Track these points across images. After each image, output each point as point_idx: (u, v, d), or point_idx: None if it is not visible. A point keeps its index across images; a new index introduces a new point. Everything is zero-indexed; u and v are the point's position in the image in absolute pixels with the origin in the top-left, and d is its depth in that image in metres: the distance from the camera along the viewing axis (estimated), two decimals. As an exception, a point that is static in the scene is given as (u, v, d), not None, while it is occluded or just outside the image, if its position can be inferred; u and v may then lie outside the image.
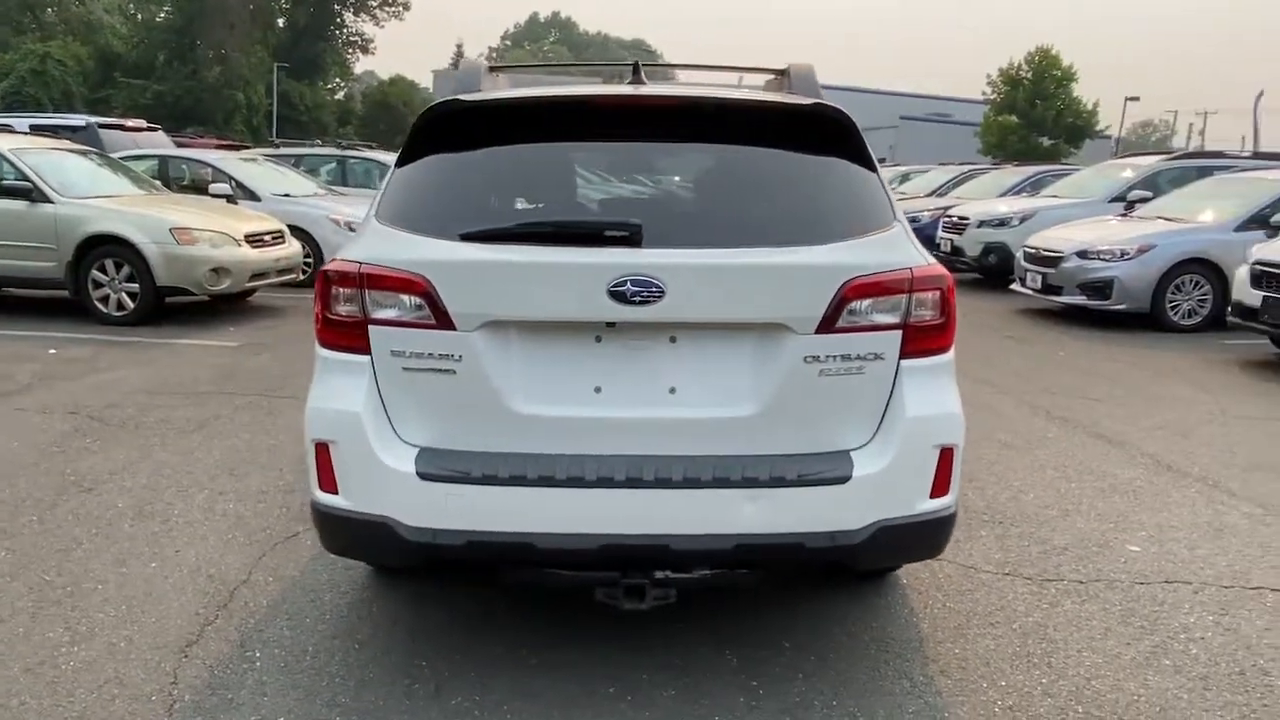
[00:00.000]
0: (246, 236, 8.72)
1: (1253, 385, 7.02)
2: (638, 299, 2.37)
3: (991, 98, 45.76)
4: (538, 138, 2.77)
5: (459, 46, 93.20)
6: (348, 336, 2.53)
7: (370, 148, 14.86)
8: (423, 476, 2.42)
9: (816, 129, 2.70)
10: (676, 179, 2.78)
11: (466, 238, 2.51)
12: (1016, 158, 40.06)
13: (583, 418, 2.47)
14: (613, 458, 2.43)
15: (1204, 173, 11.81)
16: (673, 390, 2.48)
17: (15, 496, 4.11)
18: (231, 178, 11.04)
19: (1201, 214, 9.75)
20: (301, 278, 9.79)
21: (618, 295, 2.37)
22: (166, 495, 4.18)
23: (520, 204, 2.76)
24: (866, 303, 2.46)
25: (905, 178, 24.01)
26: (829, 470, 2.43)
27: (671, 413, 2.48)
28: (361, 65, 79.24)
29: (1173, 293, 9.25)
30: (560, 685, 2.71)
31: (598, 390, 2.48)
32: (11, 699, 2.60)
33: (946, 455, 2.53)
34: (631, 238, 2.45)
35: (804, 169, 2.70)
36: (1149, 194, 11.37)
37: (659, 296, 2.37)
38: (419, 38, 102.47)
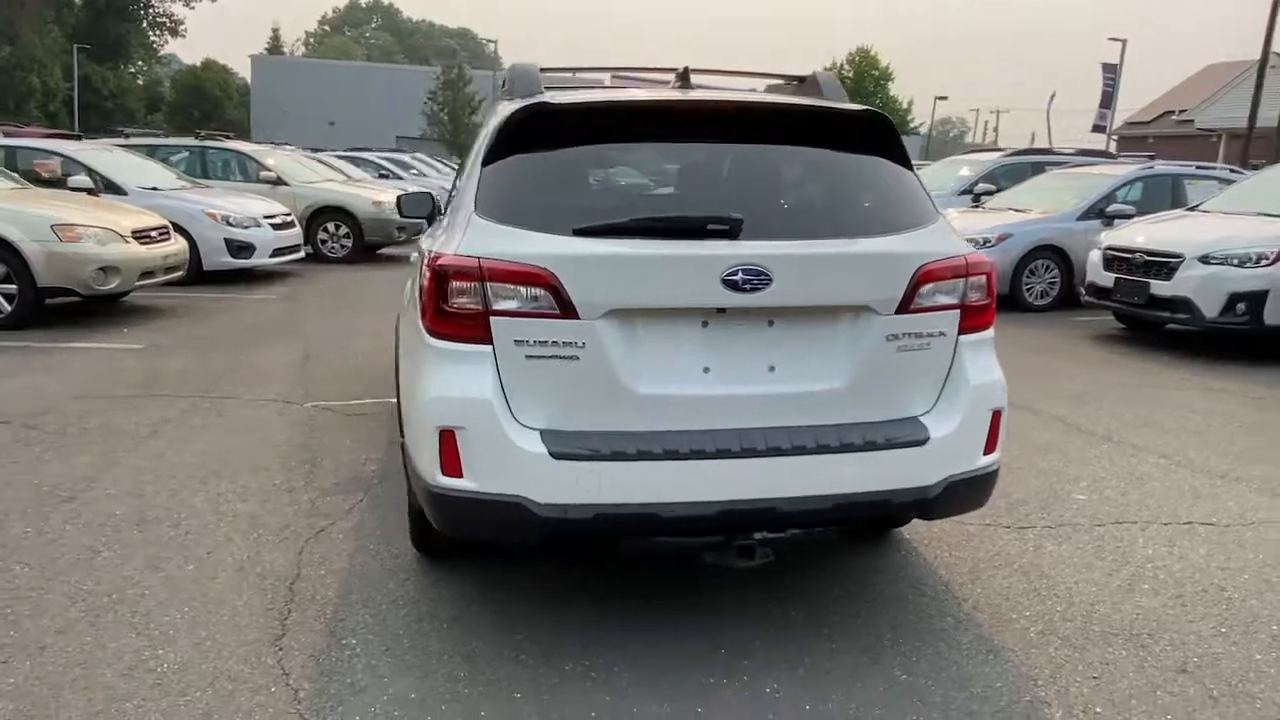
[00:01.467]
0: (134, 233, 8.25)
1: (1113, 357, 7.99)
2: (748, 287, 2.62)
3: (817, 95, 48.22)
4: (623, 138, 2.97)
5: (275, 31, 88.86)
6: (467, 327, 2.65)
7: (228, 137, 14.14)
8: (555, 456, 2.58)
9: (867, 132, 3.03)
10: (751, 177, 3.03)
11: (580, 233, 2.68)
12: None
13: (694, 395, 2.70)
14: (724, 431, 2.68)
15: (1037, 168, 13.11)
16: (772, 368, 2.75)
17: (-7, 510, 3.90)
18: (92, 170, 10.34)
19: (1046, 205, 10.86)
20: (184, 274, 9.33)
21: (730, 284, 2.61)
22: (160, 499, 4.06)
23: (619, 200, 2.95)
24: (933, 286, 2.81)
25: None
26: (911, 434, 2.78)
27: (772, 389, 2.74)
28: (171, 48, 74.17)
29: (1028, 276, 10.28)
30: (656, 647, 2.93)
31: (706, 370, 2.71)
32: (124, 702, 2.57)
33: (996, 417, 2.92)
34: (731, 231, 2.70)
35: (860, 167, 3.03)
36: (992, 187, 12.52)
37: (766, 284, 2.63)
38: (231, 21, 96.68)
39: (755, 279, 2.62)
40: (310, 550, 3.59)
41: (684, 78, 3.36)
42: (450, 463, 2.64)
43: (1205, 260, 7.70)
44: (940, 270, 2.82)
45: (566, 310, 2.60)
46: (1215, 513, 4.19)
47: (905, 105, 47.58)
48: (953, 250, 2.87)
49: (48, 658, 2.79)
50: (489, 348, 2.64)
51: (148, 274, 8.44)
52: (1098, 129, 36.98)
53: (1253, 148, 26.86)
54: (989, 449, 2.92)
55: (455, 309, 2.65)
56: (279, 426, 5.18)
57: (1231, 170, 12.25)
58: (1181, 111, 44.26)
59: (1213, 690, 2.76)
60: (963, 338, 2.89)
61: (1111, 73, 35.35)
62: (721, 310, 2.68)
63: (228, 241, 10.48)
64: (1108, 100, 35.56)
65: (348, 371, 6.54)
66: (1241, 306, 7.56)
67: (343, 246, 13.42)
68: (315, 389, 6.02)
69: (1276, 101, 28.76)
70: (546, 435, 2.62)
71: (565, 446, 2.60)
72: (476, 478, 2.62)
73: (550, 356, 2.63)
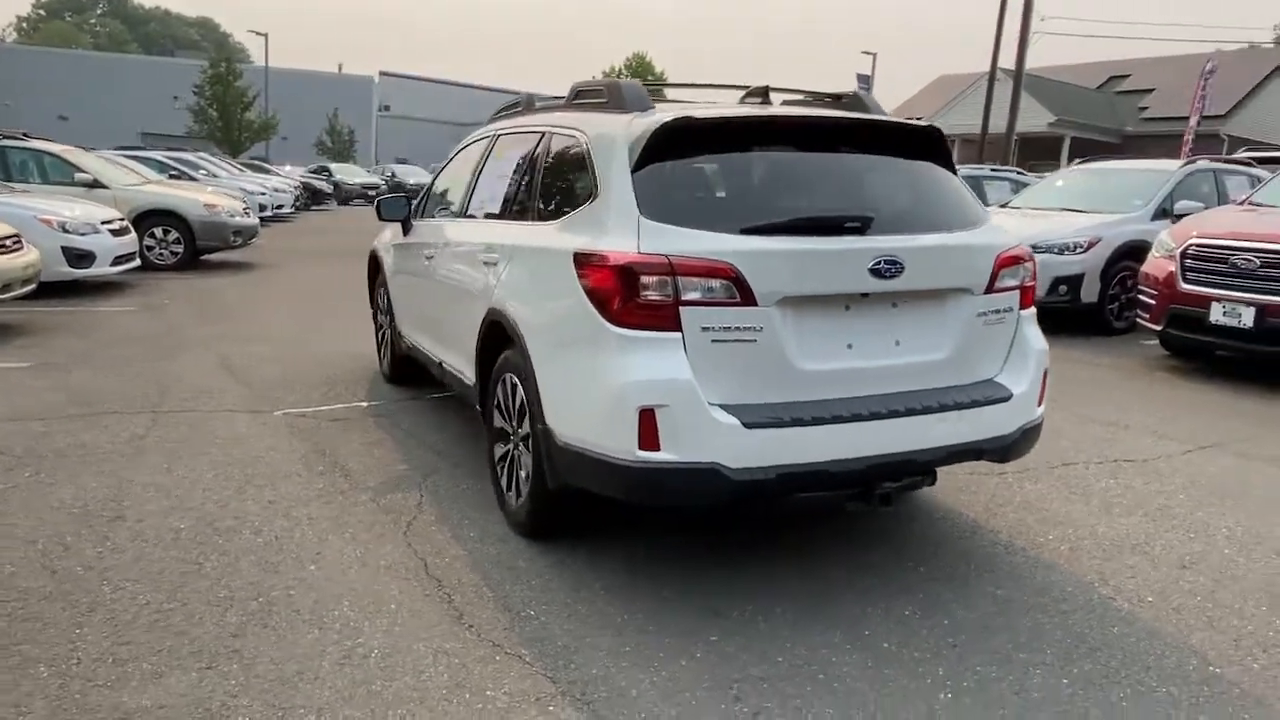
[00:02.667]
0: (-10, 242, 7.53)
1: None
2: (887, 274, 3.14)
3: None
4: (751, 147, 3.39)
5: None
6: (658, 317, 2.98)
7: (24, 135, 12.72)
8: (747, 426, 2.97)
9: (930, 143, 3.63)
10: (857, 180, 3.52)
11: (747, 231, 3.08)
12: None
13: (843, 369, 3.18)
14: (867, 398, 3.18)
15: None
16: (897, 343, 3.28)
17: (36, 534, 3.70)
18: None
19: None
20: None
21: (875, 272, 3.12)
22: (215, 511, 3.99)
23: (763, 202, 3.35)
24: (1006, 271, 3.45)
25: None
26: (999, 393, 3.40)
27: (897, 360, 3.28)
28: None
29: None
30: (800, 591, 3.38)
31: (850, 346, 3.20)
32: (371, 685, 2.70)
33: (1045, 376, 3.61)
34: (862, 227, 3.21)
35: (930, 172, 3.62)
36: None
37: (900, 272, 3.16)
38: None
39: (893, 267, 3.14)
40: (415, 543, 3.72)
41: (764, 94, 3.83)
42: (649, 438, 2.96)
43: (1034, 249, 9.03)
44: (1010, 258, 3.47)
45: (747, 298, 3.00)
46: (1129, 452, 5.19)
47: (681, 109, 49.87)
48: (1013, 242, 3.53)
49: (250, 658, 2.83)
50: (678, 334, 2.98)
51: (5, 287, 7.73)
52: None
53: (985, 151, 30.25)
54: (1040, 402, 3.60)
55: (647, 301, 2.97)
56: (271, 436, 5.10)
57: (1018, 172, 14.17)
58: (918, 119, 49.45)
59: (1213, 577, 3.59)
60: (1022, 313, 3.55)
61: (865, 83, 38.82)
62: (865, 295, 3.18)
63: (65, 250, 9.63)
64: (864, 108, 39.00)
65: (284, 378, 6.40)
66: (1063, 288, 8.98)
67: (173, 253, 12.58)
68: (269, 397, 5.89)
69: (1001, 109, 32.97)
70: (733, 409, 3.01)
71: (754, 417, 3.00)
72: (677, 450, 2.96)
73: (733, 340, 3.02)
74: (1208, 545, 3.89)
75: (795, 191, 3.38)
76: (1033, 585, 3.47)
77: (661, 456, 2.97)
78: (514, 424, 3.77)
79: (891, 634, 3.09)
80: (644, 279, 2.97)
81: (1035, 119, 37.77)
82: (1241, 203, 8.31)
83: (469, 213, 4.69)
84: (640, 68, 48.42)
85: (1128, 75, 45.77)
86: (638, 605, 3.23)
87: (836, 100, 4.09)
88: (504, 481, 3.91)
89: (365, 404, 5.80)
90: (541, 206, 3.83)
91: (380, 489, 4.33)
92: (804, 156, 3.46)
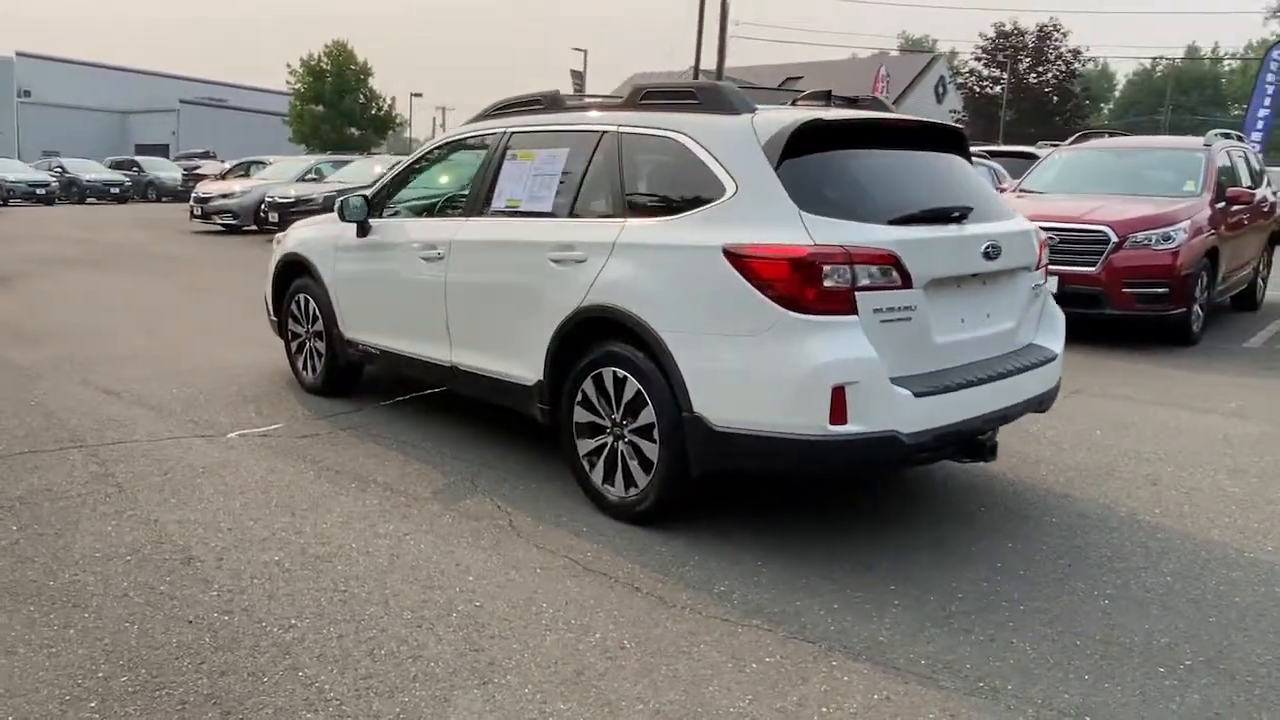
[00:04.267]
0: None
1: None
2: (993, 256, 3.66)
3: (296, 88, 46.47)
4: (866, 146, 3.76)
5: None
6: (837, 302, 3.28)
7: None
8: (917, 395, 3.36)
9: (961, 141, 4.20)
10: (939, 174, 3.97)
11: (894, 222, 3.47)
12: (333, 148, 42.04)
13: (960, 339, 3.66)
14: (978, 363, 3.69)
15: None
16: (988, 315, 3.81)
17: (114, 587, 3.26)
18: None
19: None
20: None
21: (986, 255, 3.64)
22: (293, 539, 3.70)
23: (886, 193, 3.71)
24: (1043, 251, 4.11)
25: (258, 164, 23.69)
26: (1050, 354, 4.05)
27: (988, 330, 3.81)
28: None
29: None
30: (925, 540, 3.82)
31: (962, 321, 3.68)
32: (685, 674, 2.78)
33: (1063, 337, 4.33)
34: (963, 216, 3.71)
35: (974, 169, 4.19)
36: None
37: (1000, 254, 3.69)
38: None
39: (997, 250, 3.67)
40: (541, 543, 3.71)
41: (827, 97, 4.20)
42: (839, 413, 3.25)
43: None
44: (1044, 240, 4.14)
45: (905, 281, 3.39)
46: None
47: (390, 101, 48.23)
48: (1035, 226, 4.20)
49: (523, 668, 2.78)
50: (856, 317, 3.30)
51: None
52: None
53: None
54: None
55: (829, 289, 3.26)
56: (255, 459, 4.69)
57: None
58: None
59: (1183, 488, 4.50)
60: (1046, 285, 4.24)
61: (580, 79, 39.95)
62: (975, 275, 3.68)
63: None
64: (578, 103, 40.12)
65: (193, 398, 5.79)
66: None
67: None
68: (199, 420, 5.34)
69: None
70: (901, 380, 3.37)
71: (919, 387, 3.39)
72: (862, 421, 3.28)
73: (895, 320, 3.39)
74: (1174, 470, 4.84)
75: (908, 186, 3.81)
76: (1104, 527, 4.18)
77: (849, 429, 3.27)
78: (617, 418, 3.86)
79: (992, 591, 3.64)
80: (825, 268, 3.26)
81: (733, 116, 41.05)
82: (1014, 190, 9.88)
83: (490, 211, 4.61)
84: (342, 56, 46.14)
85: (801, 77, 50.99)
86: (807, 568, 3.51)
87: (853, 103, 4.55)
88: (598, 476, 3.98)
89: (321, 419, 5.44)
90: (639, 204, 3.93)
91: (443, 498, 4.20)
92: (904, 155, 3.89)
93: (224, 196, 19.80)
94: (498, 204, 4.58)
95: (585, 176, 4.19)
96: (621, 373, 3.81)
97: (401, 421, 5.41)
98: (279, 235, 6.50)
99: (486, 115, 4.94)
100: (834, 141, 3.68)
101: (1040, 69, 43.21)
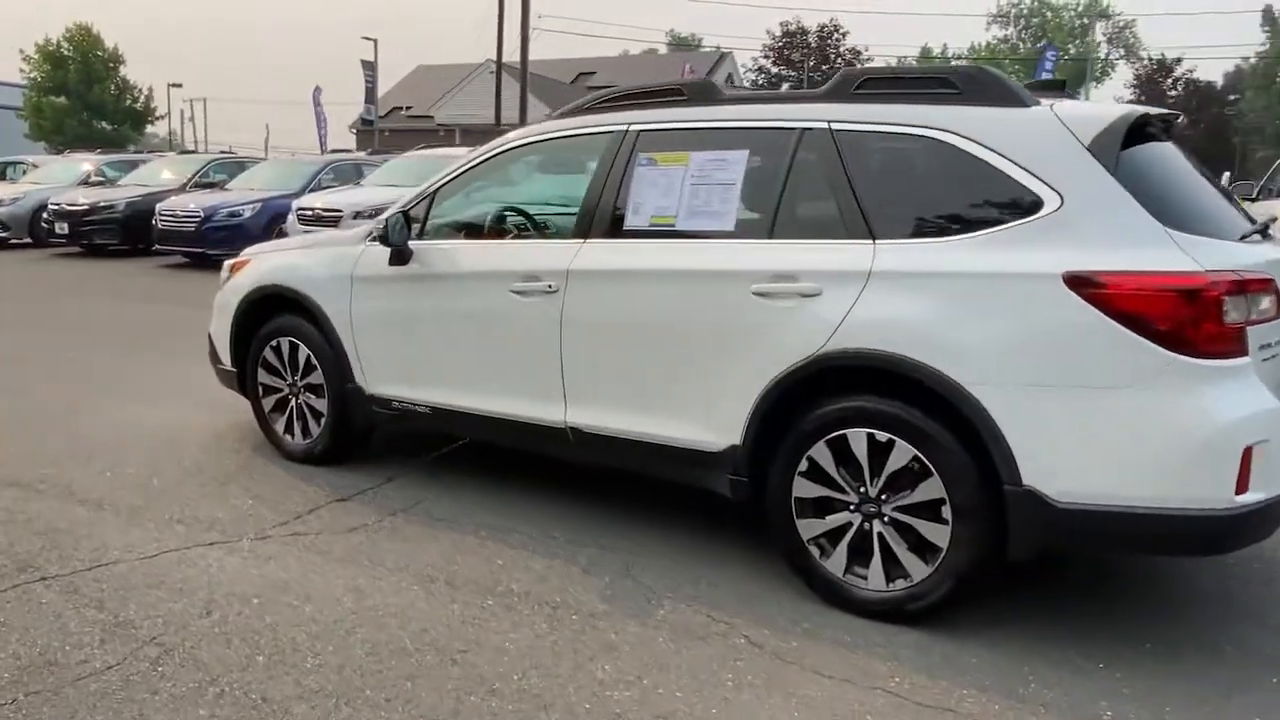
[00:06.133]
0: None
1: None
2: None
3: (32, 77, 40.67)
4: (1156, 143, 3.12)
5: None
6: (1233, 341, 2.65)
7: None
8: None
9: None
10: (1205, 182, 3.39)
11: (1243, 239, 2.88)
12: (79, 143, 37.03)
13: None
14: None
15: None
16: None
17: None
18: None
19: None
20: None
21: None
22: (489, 704, 2.62)
23: (1214, 205, 3.08)
24: None
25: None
26: None
27: None
28: None
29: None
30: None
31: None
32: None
33: None
34: (1264, 230, 3.18)
35: None
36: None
37: None
38: None
39: None
40: (805, 665, 2.84)
41: (1061, 88, 3.51)
42: (1244, 479, 2.62)
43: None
44: None
45: (1278, 310, 2.80)
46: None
47: (146, 92, 43.15)
48: None
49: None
50: (1248, 358, 2.68)
51: None
52: (366, 123, 39.11)
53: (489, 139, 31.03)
54: None
55: (1229, 325, 2.62)
56: (330, 576, 3.44)
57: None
58: (408, 108, 49.28)
59: None
60: None
61: (371, 70, 37.52)
62: None
63: None
64: (371, 95, 37.72)
65: (159, 489, 4.34)
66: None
67: None
68: (181, 515, 3.95)
69: (490, 99, 34.54)
70: None
71: None
72: (1264, 488, 2.66)
73: (1272, 357, 2.79)
74: None
75: (1208, 192, 3.22)
76: None
77: (1250, 497, 2.65)
78: (871, 491, 3.05)
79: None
80: (1225, 300, 2.61)
81: (533, 112, 40.00)
82: None
83: (623, 231, 3.61)
84: (86, 41, 40.77)
85: (594, 72, 50.78)
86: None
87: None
88: (835, 565, 3.15)
89: (347, 499, 4.19)
90: (894, 221, 3.09)
91: (627, 609, 3.18)
92: (1180, 154, 3.29)
93: (-13, 204, 16.64)
94: (635, 220, 3.60)
95: (786, 185, 3.31)
96: (885, 436, 2.99)
97: (456, 493, 4.27)
98: (231, 260, 5.07)
99: (587, 109, 3.91)
100: (1145, 140, 3.04)
101: (824, 68, 45.28)
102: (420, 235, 4.17)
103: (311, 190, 13.97)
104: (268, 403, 4.77)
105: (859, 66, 3.68)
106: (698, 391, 3.37)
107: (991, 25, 68.42)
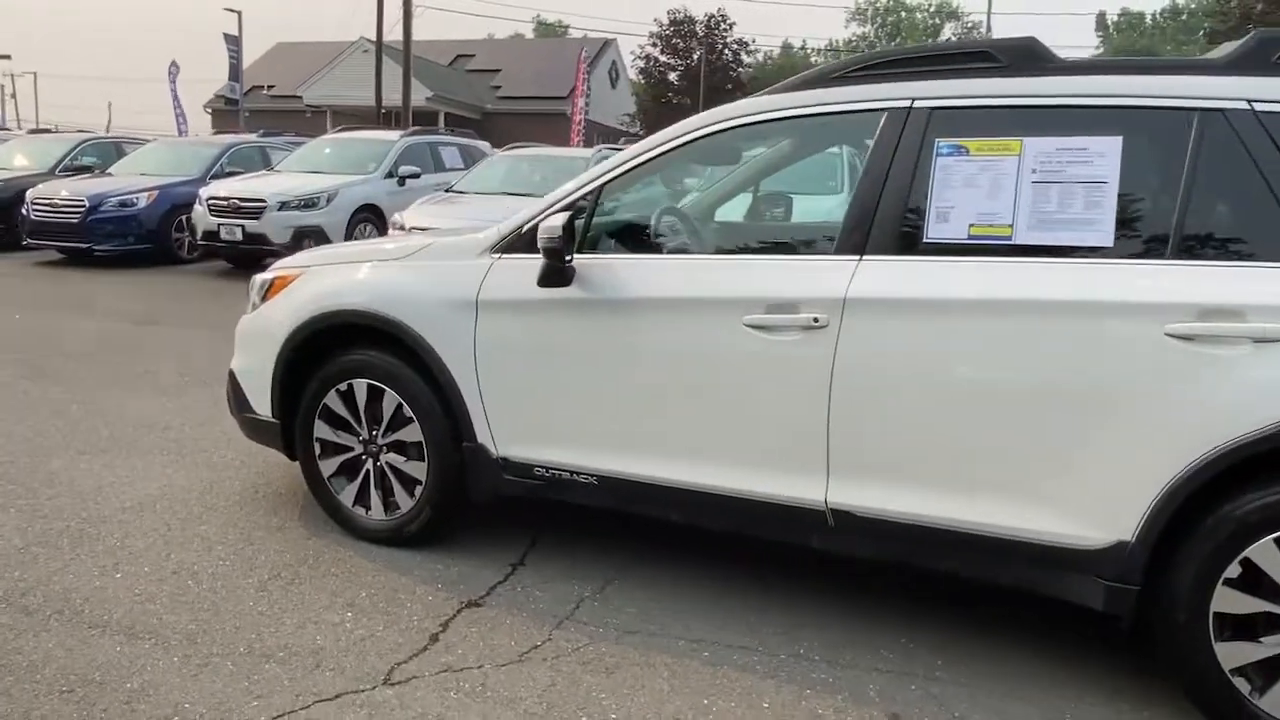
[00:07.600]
0: None
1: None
2: None
3: None
4: None
5: None
6: None
7: None
8: None
9: None
10: None
11: None
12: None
13: None
14: None
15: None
16: None
17: None
18: None
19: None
20: None
21: None
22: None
23: None
24: None
25: None
26: None
27: None
28: None
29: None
30: None
31: None
32: None
33: None
34: None
35: None
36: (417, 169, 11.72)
37: None
38: None
39: None
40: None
41: None
42: None
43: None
44: None
45: None
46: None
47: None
48: None
49: None
50: None
51: None
52: (230, 102, 36.21)
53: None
54: None
55: None
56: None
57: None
58: (270, 87, 45.96)
59: None
60: None
61: (235, 44, 34.56)
62: None
63: None
64: (235, 73, 34.77)
65: (178, 598, 3.13)
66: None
67: None
68: (262, 646, 2.79)
69: (364, 79, 32.55)
70: None
71: None
72: None
73: None
74: None
75: None
76: None
77: None
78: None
79: None
80: None
81: (415, 94, 37.92)
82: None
83: (922, 245, 2.66)
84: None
85: (473, 55, 48.73)
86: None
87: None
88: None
89: (480, 604, 3.09)
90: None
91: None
92: None
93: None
94: (942, 230, 2.65)
95: (1190, 187, 2.44)
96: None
97: (623, 581, 3.24)
98: (263, 276, 3.81)
99: (838, 77, 2.90)
100: None
101: (711, 58, 44.78)
102: (579, 247, 3.08)
103: (214, 177, 12.20)
104: (328, 465, 3.56)
105: (1276, 29, 2.99)
106: (1060, 469, 2.47)
107: (850, 23, 70.11)
